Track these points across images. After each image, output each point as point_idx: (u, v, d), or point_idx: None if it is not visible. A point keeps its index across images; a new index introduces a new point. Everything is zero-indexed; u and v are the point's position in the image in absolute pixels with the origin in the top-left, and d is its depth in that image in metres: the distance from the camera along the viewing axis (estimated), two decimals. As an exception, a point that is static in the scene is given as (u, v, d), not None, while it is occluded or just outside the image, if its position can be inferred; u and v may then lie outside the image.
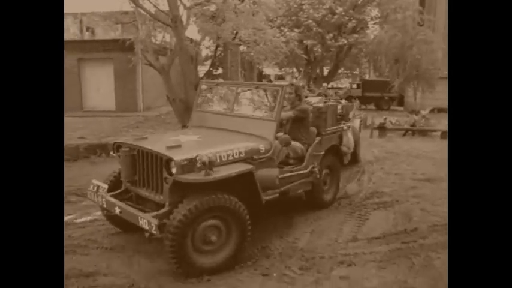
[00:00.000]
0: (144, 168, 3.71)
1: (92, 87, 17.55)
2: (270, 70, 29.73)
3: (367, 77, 30.32)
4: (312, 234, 4.35)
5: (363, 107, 21.47)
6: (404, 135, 11.98)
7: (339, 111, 5.73)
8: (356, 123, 6.47)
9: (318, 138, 4.92)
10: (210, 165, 3.26)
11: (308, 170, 4.62)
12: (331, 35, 19.96)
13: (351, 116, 6.18)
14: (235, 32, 11.02)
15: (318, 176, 4.73)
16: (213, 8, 11.65)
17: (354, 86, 24.84)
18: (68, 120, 14.17)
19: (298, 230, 4.48)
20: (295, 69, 28.98)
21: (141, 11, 10.71)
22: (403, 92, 20.26)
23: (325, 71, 24.96)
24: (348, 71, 26.38)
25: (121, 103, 16.92)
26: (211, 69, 16.29)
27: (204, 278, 3.36)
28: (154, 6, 10.71)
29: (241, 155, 3.75)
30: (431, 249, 3.99)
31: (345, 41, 19.93)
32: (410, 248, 4.03)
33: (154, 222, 3.23)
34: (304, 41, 20.20)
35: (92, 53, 16.97)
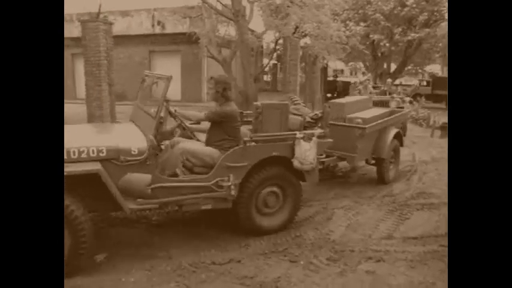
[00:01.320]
0: None
1: (161, 78, 18.61)
2: (340, 65, 29.23)
3: (439, 74, 28.71)
4: (347, 228, 4.40)
5: (429, 105, 20.42)
6: (470, 136, 11.30)
7: (293, 111, 4.95)
8: (390, 131, 6.14)
9: (238, 146, 3.91)
10: None
11: (212, 182, 3.77)
12: (400, 29, 19.14)
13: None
14: (295, 26, 11.08)
15: (233, 193, 3.84)
16: (278, 1, 11.80)
17: (424, 83, 23.69)
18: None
19: (334, 223, 4.56)
20: (361, 64, 28.26)
21: (206, 5, 11.18)
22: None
23: (393, 67, 24.04)
24: (418, 67, 25.10)
25: (186, 93, 17.79)
26: (272, 62, 16.50)
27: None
28: (218, 1, 11.10)
29: (101, 154, 3.37)
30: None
31: (415, 36, 19.00)
32: (446, 251, 3.93)
33: None
34: (371, 36, 19.61)
35: (161, 46, 18.00)
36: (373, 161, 6.18)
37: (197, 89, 17.87)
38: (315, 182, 4.47)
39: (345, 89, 21.65)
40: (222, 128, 3.96)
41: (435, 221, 4.73)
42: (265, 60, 15.64)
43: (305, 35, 14.27)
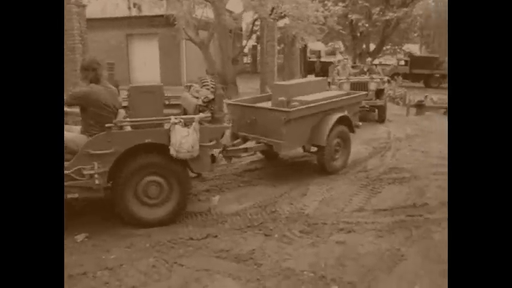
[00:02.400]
0: None
1: (139, 62, 18.40)
2: (319, 45, 29.23)
3: (418, 53, 29.08)
4: (320, 203, 4.59)
5: (407, 84, 20.77)
6: (444, 113, 11.59)
7: (193, 93, 4.73)
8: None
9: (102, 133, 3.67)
10: None
11: (71, 171, 3.55)
12: (378, 8, 19.24)
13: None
14: (272, 7, 11.09)
15: (97, 182, 3.62)
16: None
17: (402, 62, 24.00)
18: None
19: (309, 198, 4.74)
20: (341, 44, 28.34)
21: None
22: (453, 69, 19.30)
23: (373, 47, 24.22)
24: (396, 47, 25.35)
25: (166, 77, 17.63)
26: (252, 44, 16.44)
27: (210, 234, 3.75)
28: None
29: None
30: (434, 223, 4.09)
31: (393, 15, 19.15)
32: (414, 221, 4.15)
33: None
34: (349, 16, 19.66)
35: (138, 29, 17.72)
36: (313, 149, 5.68)
37: (176, 72, 17.74)
38: (205, 171, 4.21)
39: (323, 70, 21.72)
40: (85, 113, 3.78)
41: (405, 193, 4.95)
42: (245, 42, 15.59)
43: (284, 16, 14.28)
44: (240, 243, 3.62)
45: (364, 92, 7.39)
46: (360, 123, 6.44)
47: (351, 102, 6.20)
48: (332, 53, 28.86)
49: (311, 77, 21.86)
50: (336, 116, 5.58)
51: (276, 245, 3.59)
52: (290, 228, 3.90)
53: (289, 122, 5.01)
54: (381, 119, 10.15)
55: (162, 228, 3.93)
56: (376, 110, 10.31)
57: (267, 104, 5.87)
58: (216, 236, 3.75)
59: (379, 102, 9.97)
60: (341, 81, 10.10)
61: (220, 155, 4.99)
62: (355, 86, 9.81)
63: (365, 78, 10.46)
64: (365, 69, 11.75)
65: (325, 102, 5.63)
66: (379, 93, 10.16)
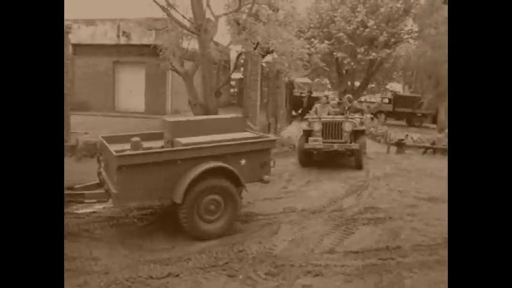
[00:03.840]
0: None
1: (125, 89, 18.38)
2: (306, 81, 29.76)
3: (401, 92, 29.77)
4: (290, 243, 4.44)
5: (391, 122, 21.12)
6: (424, 153, 11.72)
7: None
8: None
9: None
10: None
11: None
12: (362, 48, 19.80)
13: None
14: (256, 42, 11.26)
15: None
16: (244, 16, 11.96)
17: (386, 100, 24.50)
18: (98, 119, 14.95)
19: (279, 237, 4.59)
20: (327, 81, 28.92)
21: (170, 18, 11.18)
22: (433, 109, 19.77)
23: (358, 84, 24.74)
24: (380, 85, 25.96)
25: (150, 105, 17.61)
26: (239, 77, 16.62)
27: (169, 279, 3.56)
28: (182, 15, 11.14)
29: None
30: (406, 268, 3.98)
31: (377, 55, 19.72)
32: (385, 264, 4.03)
33: None
34: (335, 53, 20.17)
35: (126, 57, 17.80)
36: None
37: (161, 101, 17.73)
38: None
39: (310, 105, 21.91)
40: None
41: (378, 234, 4.85)
42: (233, 74, 15.73)
43: (271, 51, 14.51)
44: (201, 284, 3.44)
45: (273, 138, 5.65)
46: (267, 177, 5.03)
47: (252, 149, 4.84)
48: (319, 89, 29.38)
49: (294, 113, 22.12)
50: (203, 167, 4.32)
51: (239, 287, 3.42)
52: (256, 270, 3.74)
53: (124, 168, 4.03)
54: (358, 165, 8.76)
55: (122, 262, 3.74)
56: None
57: (158, 143, 5.02)
58: (177, 275, 3.57)
59: (353, 145, 8.63)
60: (312, 120, 9.15)
61: None
62: (328, 127, 8.86)
63: (339, 118, 9.15)
64: (346, 107, 10.18)
65: (196, 146, 4.44)
66: (357, 134, 8.95)
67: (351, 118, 9.09)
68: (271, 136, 5.57)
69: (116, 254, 3.95)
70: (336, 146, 8.58)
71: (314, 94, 24.89)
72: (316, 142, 8.63)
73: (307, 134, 8.97)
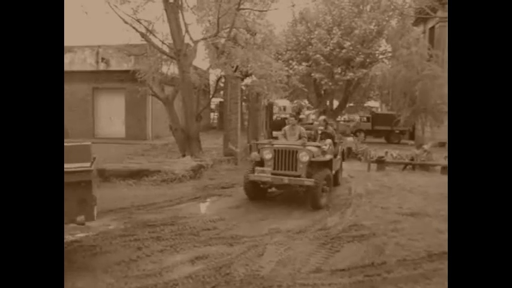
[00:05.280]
0: None
1: (105, 115, 18.27)
2: (285, 102, 30.18)
3: (379, 110, 30.49)
4: (277, 264, 4.43)
5: (370, 140, 21.50)
6: (404, 169, 11.96)
7: None
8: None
9: None
10: None
11: None
12: (339, 69, 20.32)
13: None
14: (235, 66, 11.45)
15: None
16: (222, 41, 12.18)
17: (364, 119, 25.01)
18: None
19: (266, 259, 4.58)
20: (306, 102, 29.43)
21: (149, 44, 11.30)
22: (410, 126, 20.28)
23: (336, 104, 25.25)
24: (358, 104, 26.58)
25: (131, 131, 17.51)
26: (219, 100, 16.76)
27: None
28: (161, 41, 11.28)
29: None
30: (393, 283, 4.02)
31: (354, 76, 20.24)
32: (371, 281, 4.06)
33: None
34: (313, 74, 20.61)
35: (105, 83, 17.79)
36: None
37: (142, 126, 17.67)
38: None
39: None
40: None
41: (363, 251, 4.89)
42: (210, 99, 15.87)
43: (250, 74, 14.74)
44: (188, 311, 3.39)
45: (88, 168, 4.06)
46: (82, 218, 4.06)
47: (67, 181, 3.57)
48: (299, 110, 29.81)
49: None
50: None
51: (227, 312, 3.38)
52: (243, 292, 3.71)
53: None
54: (314, 205, 6.82)
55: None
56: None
57: None
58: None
59: (307, 181, 6.71)
60: (263, 146, 7.51)
61: None
62: (281, 156, 7.11)
63: (295, 145, 7.33)
64: (319, 131, 8.76)
65: None
66: (320, 167, 7.10)
67: (313, 146, 7.40)
68: (89, 166, 4.08)
69: (101, 283, 3.86)
70: (286, 180, 6.82)
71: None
72: (263, 174, 6.97)
73: (259, 163, 7.31)
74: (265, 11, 12.93)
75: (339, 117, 24.03)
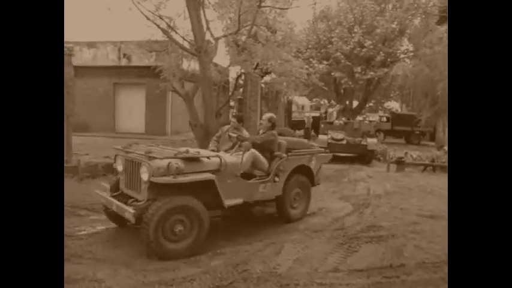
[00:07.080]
0: None
1: (125, 110, 18.53)
2: (304, 100, 29.99)
3: (398, 110, 30.03)
4: (294, 262, 4.43)
5: (390, 140, 21.20)
6: (424, 170, 11.76)
7: None
8: None
9: None
10: None
11: None
12: (359, 68, 20.07)
13: None
14: (256, 63, 11.42)
15: None
16: (243, 38, 12.16)
17: (384, 119, 24.70)
18: (98, 139, 15.00)
19: (283, 257, 4.58)
20: (326, 101, 29.21)
21: (170, 40, 11.38)
22: (431, 127, 19.93)
23: (356, 103, 24.97)
24: (378, 104, 26.23)
25: (150, 126, 17.70)
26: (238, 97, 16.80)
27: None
28: (182, 37, 11.33)
29: None
30: (411, 286, 3.97)
31: (374, 75, 19.97)
32: (390, 283, 4.02)
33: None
34: (333, 73, 20.42)
35: (126, 78, 18.01)
36: None
37: (161, 122, 17.85)
38: None
39: (315, 126, 21.76)
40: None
41: (382, 253, 4.84)
42: (230, 95, 15.88)
43: (269, 72, 14.69)
44: (206, 305, 3.42)
45: None
46: None
47: None
48: (317, 108, 29.61)
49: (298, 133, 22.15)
50: None
51: (244, 308, 3.40)
52: (260, 289, 3.73)
53: None
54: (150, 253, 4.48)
55: (126, 284, 3.72)
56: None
57: None
58: None
59: (126, 213, 4.32)
60: (117, 153, 5.13)
61: None
62: (129, 170, 4.83)
63: (141, 154, 4.60)
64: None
65: None
66: (176, 193, 4.37)
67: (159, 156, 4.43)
68: None
69: (120, 275, 3.93)
70: (125, 213, 4.34)
71: (312, 113, 25.02)
72: (104, 199, 4.91)
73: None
74: (287, 8, 12.83)
75: (360, 116, 23.71)
